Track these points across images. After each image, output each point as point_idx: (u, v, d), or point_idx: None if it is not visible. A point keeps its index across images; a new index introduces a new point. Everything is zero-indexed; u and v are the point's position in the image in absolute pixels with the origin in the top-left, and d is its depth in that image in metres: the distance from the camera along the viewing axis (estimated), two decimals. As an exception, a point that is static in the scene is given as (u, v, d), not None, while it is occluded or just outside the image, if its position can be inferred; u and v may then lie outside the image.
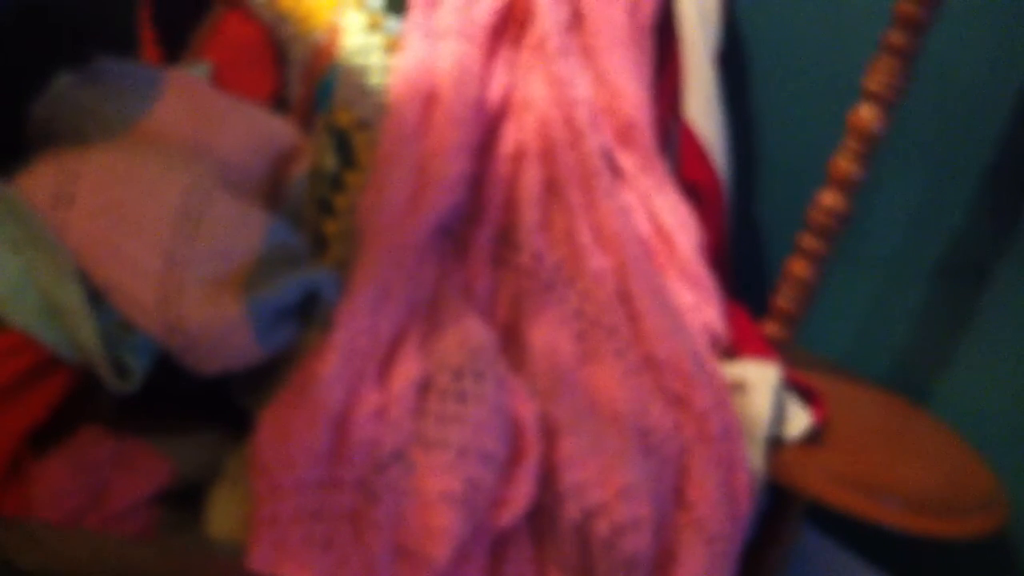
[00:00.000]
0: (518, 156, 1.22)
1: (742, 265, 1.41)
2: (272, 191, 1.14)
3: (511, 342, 1.14)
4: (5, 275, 0.90)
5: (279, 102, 1.25)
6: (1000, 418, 1.31)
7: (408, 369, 1.00)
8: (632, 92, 1.30)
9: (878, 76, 1.18)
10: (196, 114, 1.10)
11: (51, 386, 0.91)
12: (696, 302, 1.20)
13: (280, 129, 1.16)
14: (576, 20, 1.32)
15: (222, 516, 0.92)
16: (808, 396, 1.19)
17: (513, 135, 1.23)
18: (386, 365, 1.02)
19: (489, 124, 1.23)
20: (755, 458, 1.09)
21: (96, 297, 0.92)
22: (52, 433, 0.91)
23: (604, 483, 0.98)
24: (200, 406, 1.00)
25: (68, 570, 0.51)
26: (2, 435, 0.88)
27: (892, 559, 1.44)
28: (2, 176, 0.95)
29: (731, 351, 1.20)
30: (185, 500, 0.94)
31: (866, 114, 1.20)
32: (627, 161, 1.28)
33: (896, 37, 1.16)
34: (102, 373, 0.90)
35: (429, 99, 1.19)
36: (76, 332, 0.90)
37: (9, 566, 0.49)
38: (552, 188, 1.21)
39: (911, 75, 1.18)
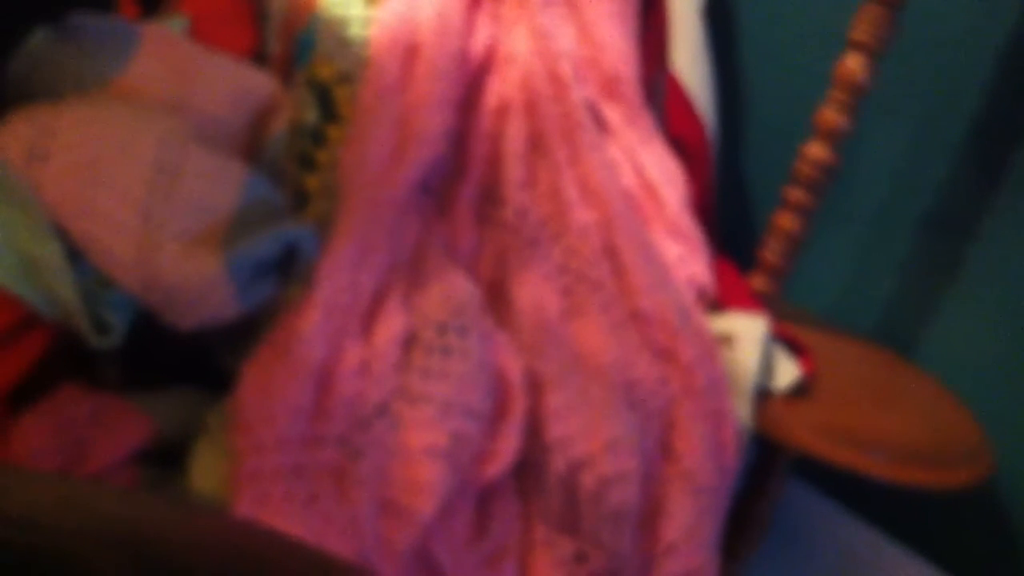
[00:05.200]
0: (501, 110, 1.20)
1: (728, 218, 1.40)
2: (252, 146, 1.12)
3: (496, 299, 1.13)
4: (-19, 233, 0.89)
5: (258, 56, 1.23)
6: (986, 370, 1.31)
7: (391, 324, 1.00)
8: (617, 44, 1.29)
9: (864, 26, 1.17)
10: (174, 69, 1.09)
11: (30, 344, 0.90)
12: (682, 256, 1.20)
13: (259, 83, 1.15)
14: (559, -28, 1.30)
15: (204, 473, 0.91)
16: (795, 349, 1.18)
17: (496, 89, 1.22)
18: (368, 321, 1.01)
19: (472, 77, 1.21)
20: (742, 410, 1.08)
21: (74, 253, 0.91)
22: (32, 392, 0.91)
23: (590, 436, 0.97)
24: (180, 363, 0.99)
25: (29, 512, 0.50)
26: (-19, 394, 0.87)
27: (879, 511, 1.45)
28: (-24, 134, 0.94)
29: (718, 304, 1.19)
30: (166, 459, 0.93)
31: (853, 64, 1.19)
32: (612, 114, 1.27)
33: (883, -14, 1.15)
34: (82, 329, 0.89)
35: (411, 52, 1.18)
36: (54, 289, 0.89)
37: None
38: (536, 143, 1.20)
39: (897, 25, 1.17)
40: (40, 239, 0.89)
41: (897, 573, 1.43)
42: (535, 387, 1.02)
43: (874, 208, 1.40)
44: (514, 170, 1.17)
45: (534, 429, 0.99)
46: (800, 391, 1.15)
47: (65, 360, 0.93)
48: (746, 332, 1.13)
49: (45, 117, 0.96)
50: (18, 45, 1.05)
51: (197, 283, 0.92)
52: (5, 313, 0.89)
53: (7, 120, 0.96)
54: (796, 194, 1.25)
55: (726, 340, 1.12)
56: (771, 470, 1.22)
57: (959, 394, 1.26)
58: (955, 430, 1.19)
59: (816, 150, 1.23)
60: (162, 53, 1.10)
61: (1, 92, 1.05)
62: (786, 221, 1.27)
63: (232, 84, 1.11)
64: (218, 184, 0.99)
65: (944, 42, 1.29)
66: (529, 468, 1.00)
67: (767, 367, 1.13)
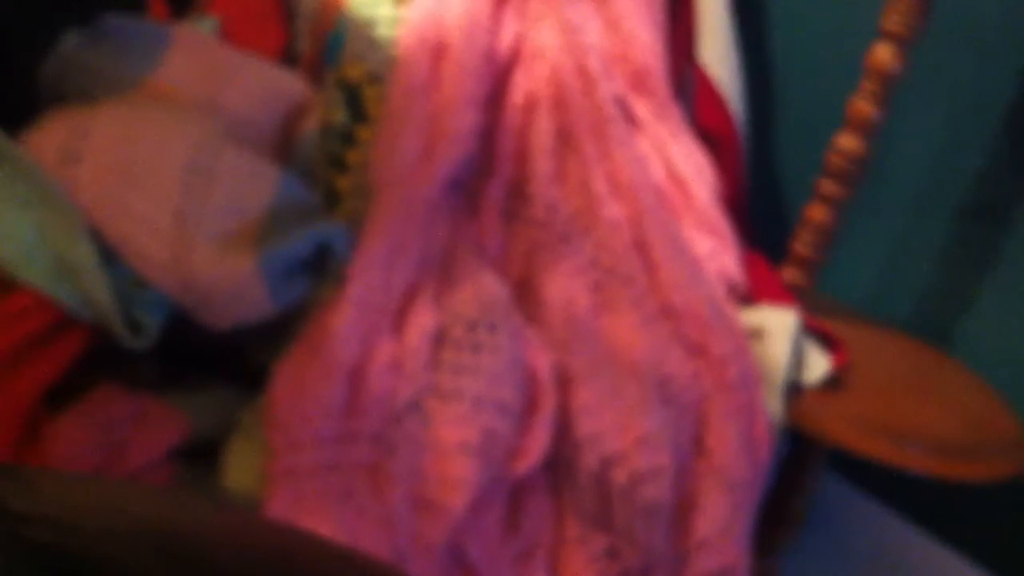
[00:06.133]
0: (529, 106, 1.20)
1: (760, 211, 1.40)
2: (282, 147, 1.13)
3: (526, 295, 1.13)
4: (17, 235, 0.90)
5: (288, 56, 1.24)
6: (1022, 362, 1.30)
7: (422, 321, 1.00)
8: (645, 38, 1.28)
9: (896, 15, 1.16)
10: (204, 70, 1.10)
11: (66, 345, 0.91)
12: (713, 249, 1.19)
13: (289, 84, 1.15)
14: (587, -34, 1.30)
15: (239, 470, 0.92)
16: (828, 341, 1.18)
17: (524, 85, 1.21)
18: (400, 318, 1.02)
19: (499, 74, 1.21)
20: (774, 404, 1.08)
21: (108, 254, 0.92)
22: (69, 392, 0.91)
23: (622, 432, 0.97)
24: (214, 361, 1.00)
25: (63, 514, 0.51)
26: (19, 395, 0.88)
27: (916, 505, 1.44)
28: (11, 136, 0.94)
29: (749, 298, 1.19)
30: (201, 457, 0.94)
31: (884, 54, 1.18)
32: (641, 108, 1.27)
33: (914, -25, 1.14)
34: (116, 330, 0.90)
35: (439, 50, 1.18)
36: (89, 290, 0.90)
37: (3, 509, 0.49)
38: (565, 138, 1.19)
39: (929, 14, 1.16)
40: (74, 240, 0.90)
41: (932, 566, 1.42)
42: (565, 383, 1.02)
43: (908, 199, 1.39)
44: (542, 166, 1.17)
45: (565, 425, 1.00)
46: (834, 384, 1.15)
47: (102, 360, 0.94)
48: (777, 326, 1.12)
49: (78, 119, 0.97)
50: (50, 48, 1.06)
51: (231, 283, 0.92)
52: (41, 314, 0.89)
53: (41, 122, 0.98)
54: (828, 186, 1.25)
55: (757, 334, 1.12)
56: (805, 464, 1.22)
57: (995, 386, 1.25)
58: (991, 422, 1.18)
59: (848, 141, 1.22)
60: (193, 54, 1.10)
61: (34, 94, 1.06)
62: (818, 213, 1.26)
63: (262, 85, 1.12)
64: (251, 184, 1.00)
65: (977, 30, 1.27)
66: (560, 464, 1.00)
67: (798, 361, 1.13)
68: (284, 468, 0.91)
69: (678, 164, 1.24)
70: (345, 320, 0.97)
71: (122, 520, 0.53)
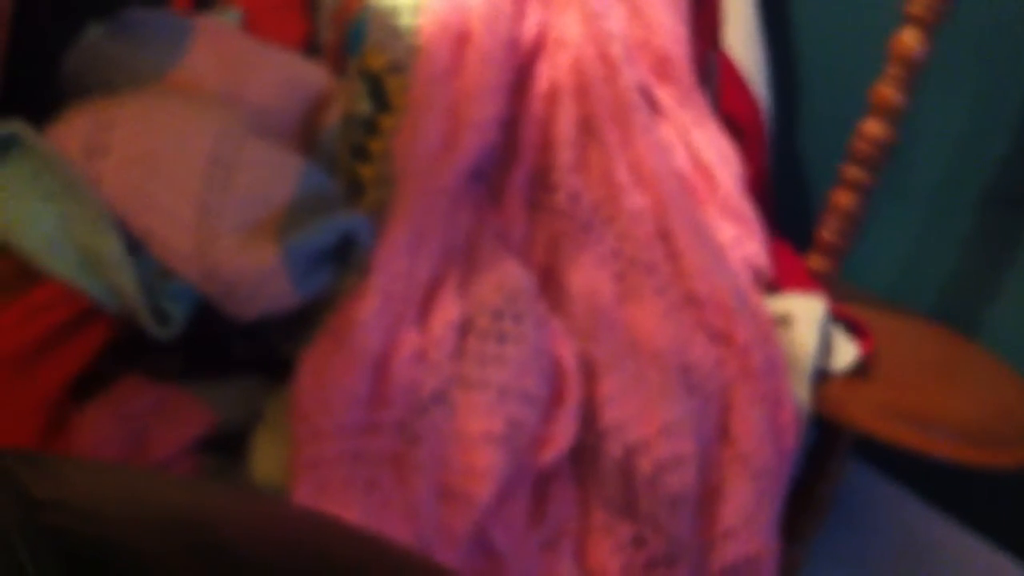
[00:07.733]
0: (552, 95, 1.20)
1: (785, 198, 1.39)
2: (305, 137, 1.13)
3: (549, 284, 1.12)
4: (43, 227, 0.91)
5: (310, 47, 1.24)
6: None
7: (447, 311, 1.00)
8: (668, 24, 1.28)
9: (921, -1, 1.15)
10: (227, 62, 1.10)
11: (91, 336, 0.92)
12: (738, 237, 1.19)
13: (312, 74, 1.15)
14: (610, -47, 1.29)
15: (264, 461, 0.93)
16: (854, 329, 1.17)
17: (547, 73, 1.21)
18: (424, 308, 1.02)
19: (522, 63, 1.21)
20: (801, 392, 1.07)
21: (134, 245, 0.92)
22: (95, 383, 0.92)
23: (646, 420, 0.97)
24: (238, 352, 1.00)
25: (88, 502, 0.51)
26: (45, 385, 0.89)
27: (942, 492, 1.43)
28: (36, 129, 0.95)
29: (775, 285, 1.18)
30: (227, 448, 0.95)
31: (908, 39, 1.17)
32: (664, 96, 1.26)
33: (939, -42, 1.13)
34: (142, 320, 0.91)
35: (461, 39, 1.17)
36: (115, 281, 0.90)
37: (26, 496, 0.49)
38: (588, 126, 1.19)
39: (954, -2, 1.15)
40: (100, 232, 0.91)
41: (958, 553, 1.41)
42: (590, 372, 1.02)
43: (934, 185, 1.38)
44: (566, 154, 1.17)
45: (589, 414, 1.00)
46: (860, 371, 1.14)
47: (127, 352, 0.94)
48: (804, 313, 1.12)
49: (102, 112, 0.97)
50: (75, 40, 1.07)
51: (254, 274, 0.93)
52: (67, 305, 0.90)
53: (65, 115, 0.98)
54: (853, 172, 1.24)
55: (783, 321, 1.11)
56: (831, 452, 1.21)
57: (1021, 373, 1.24)
58: (1017, 409, 1.17)
59: (872, 127, 1.21)
60: (215, 46, 1.11)
61: (58, 87, 1.06)
62: (843, 199, 1.25)
63: (284, 76, 1.12)
64: (274, 175, 1.00)
65: (1002, 14, 1.26)
66: (585, 453, 1.00)
67: (825, 348, 1.12)
68: (309, 458, 0.91)
69: (702, 151, 1.24)
70: (369, 310, 0.97)
71: (147, 509, 0.53)
